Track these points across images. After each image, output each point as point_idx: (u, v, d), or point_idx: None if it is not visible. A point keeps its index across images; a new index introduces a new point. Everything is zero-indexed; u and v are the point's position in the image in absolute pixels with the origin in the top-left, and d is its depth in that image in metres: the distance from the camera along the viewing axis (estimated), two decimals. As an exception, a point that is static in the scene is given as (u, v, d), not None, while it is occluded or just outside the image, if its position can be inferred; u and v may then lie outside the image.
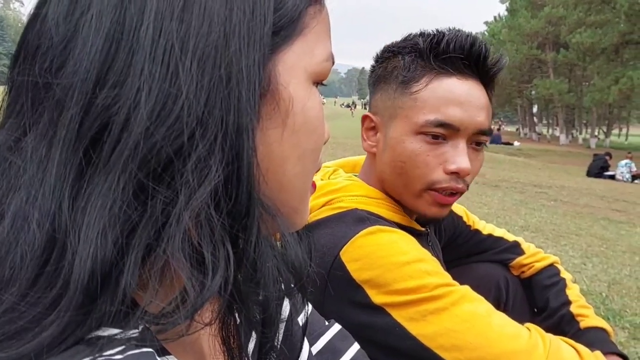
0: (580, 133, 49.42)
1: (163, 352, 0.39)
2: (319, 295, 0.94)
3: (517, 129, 59.18)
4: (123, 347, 0.33)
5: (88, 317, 0.33)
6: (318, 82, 0.47)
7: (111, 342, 0.33)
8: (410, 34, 1.08)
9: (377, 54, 1.12)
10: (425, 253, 0.97)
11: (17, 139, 0.37)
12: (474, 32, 1.04)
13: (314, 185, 0.52)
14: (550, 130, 53.32)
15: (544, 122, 54.71)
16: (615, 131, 55.57)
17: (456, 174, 1.01)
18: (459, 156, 1.00)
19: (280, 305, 0.59)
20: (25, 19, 0.40)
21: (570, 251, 4.56)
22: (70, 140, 0.35)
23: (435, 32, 1.04)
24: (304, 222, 0.51)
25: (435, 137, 1.00)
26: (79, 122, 0.35)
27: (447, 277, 0.93)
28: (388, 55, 1.09)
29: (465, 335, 0.86)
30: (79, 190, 0.35)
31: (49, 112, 0.36)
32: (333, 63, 0.49)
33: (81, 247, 0.33)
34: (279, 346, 0.58)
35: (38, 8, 0.39)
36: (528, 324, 0.94)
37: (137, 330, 0.35)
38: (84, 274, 0.33)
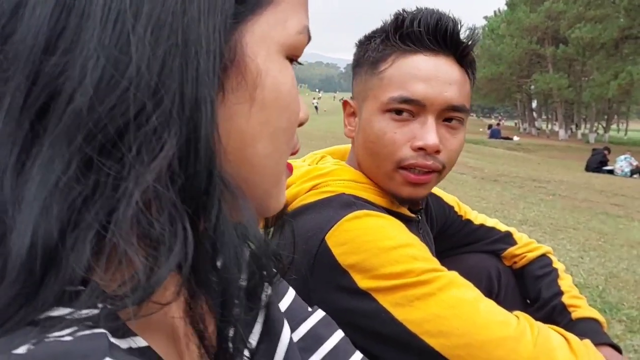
0: (580, 128, 49.39)
1: (126, 334, 0.37)
2: (305, 280, 0.92)
3: (516, 124, 59.24)
4: (75, 328, 0.31)
5: (33, 297, 0.31)
6: (292, 58, 0.45)
7: (62, 322, 0.31)
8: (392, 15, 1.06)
9: (357, 41, 1.11)
10: (413, 238, 0.95)
11: None
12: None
13: (290, 168, 0.50)
14: (550, 125, 53.37)
15: (543, 117, 54.76)
16: (615, 126, 55.56)
17: (423, 150, 0.99)
18: (426, 132, 0.98)
19: (257, 292, 0.57)
20: None
21: (568, 245, 4.55)
22: (16, 111, 0.33)
23: (400, 11, 1.03)
24: (279, 207, 0.49)
25: (399, 112, 0.99)
26: (26, 91, 0.33)
27: (434, 263, 0.92)
28: (363, 41, 1.09)
29: (452, 322, 0.85)
30: (25, 163, 0.33)
31: None
32: (309, 38, 0.46)
33: (20, 223, 0.31)
34: (253, 331, 0.57)
35: None
36: (517, 312, 0.93)
37: (93, 311, 0.32)
38: (22, 251, 0.31)
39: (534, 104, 50.87)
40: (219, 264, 0.39)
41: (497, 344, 0.83)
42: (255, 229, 0.45)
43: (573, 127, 46.49)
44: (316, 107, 48.42)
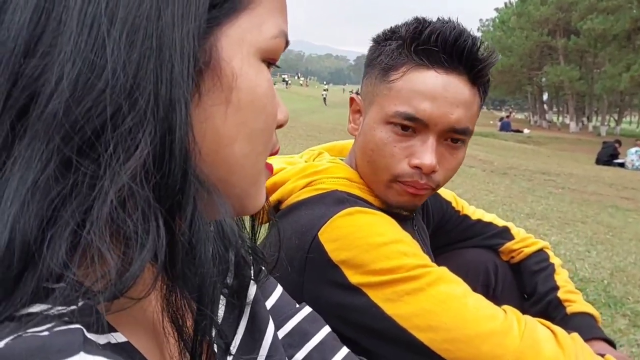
0: (591, 121, 48.98)
1: (105, 328, 0.38)
2: (299, 275, 0.94)
3: (526, 117, 58.84)
4: (52, 323, 0.32)
5: (11, 293, 0.33)
6: (269, 61, 0.46)
7: (40, 318, 0.32)
8: (410, 20, 1.04)
9: (374, 37, 1.09)
10: (404, 234, 0.96)
11: None
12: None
13: (270, 169, 0.51)
14: (561, 118, 52.95)
15: (554, 109, 54.33)
16: (627, 119, 55.02)
17: (419, 169, 0.99)
18: (424, 152, 0.98)
19: (243, 289, 0.59)
20: None
21: (575, 238, 4.52)
22: None
23: (421, 21, 1.01)
24: (258, 206, 0.50)
25: (405, 129, 0.98)
26: (6, 93, 0.34)
27: (424, 259, 0.93)
28: (380, 39, 1.07)
29: (440, 316, 0.86)
30: (5, 162, 0.34)
31: None
32: (287, 43, 0.47)
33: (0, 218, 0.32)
34: (239, 328, 0.58)
35: None
36: (505, 306, 0.94)
37: (70, 307, 0.34)
38: (0, 247, 0.32)
39: (545, 97, 50.49)
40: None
41: (484, 338, 0.85)
42: (232, 227, 0.46)
43: (584, 119, 46.13)
44: (324, 99, 48.24)
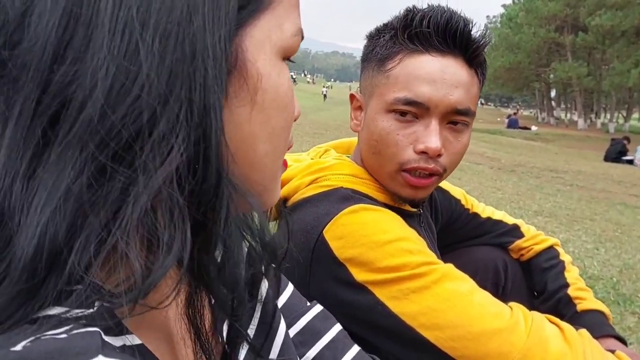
0: (599, 117, 48.68)
1: (120, 332, 0.38)
2: (305, 273, 0.94)
3: (533, 114, 58.55)
4: (70, 326, 0.32)
5: (34, 295, 0.33)
6: (287, 58, 0.46)
7: (58, 321, 0.32)
8: (401, 11, 1.04)
9: (367, 34, 1.10)
10: (409, 231, 0.96)
11: None
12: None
13: (285, 164, 0.52)
14: (569, 115, 52.66)
15: (562, 106, 54.02)
16: (635, 115, 54.67)
17: (425, 154, 0.98)
18: (428, 135, 0.98)
19: (256, 285, 0.59)
20: None
21: (584, 236, 4.51)
22: (27, 118, 0.34)
23: (411, 9, 1.01)
24: (274, 201, 0.50)
25: (404, 114, 0.98)
26: (36, 100, 0.34)
27: (430, 256, 0.93)
28: (373, 35, 1.07)
29: (446, 314, 0.86)
30: (36, 169, 0.34)
31: (5, 91, 0.35)
32: (302, 38, 0.47)
33: (28, 226, 0.32)
34: (250, 327, 0.58)
35: None
36: (511, 303, 0.93)
37: (89, 310, 0.34)
38: (28, 253, 0.32)
39: (553, 93, 50.20)
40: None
41: (490, 336, 0.85)
42: (264, 224, 0.47)
43: (592, 116, 45.87)
44: (325, 96, 48.00)
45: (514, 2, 48.53)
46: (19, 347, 0.29)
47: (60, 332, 0.31)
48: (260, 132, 0.43)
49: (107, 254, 0.34)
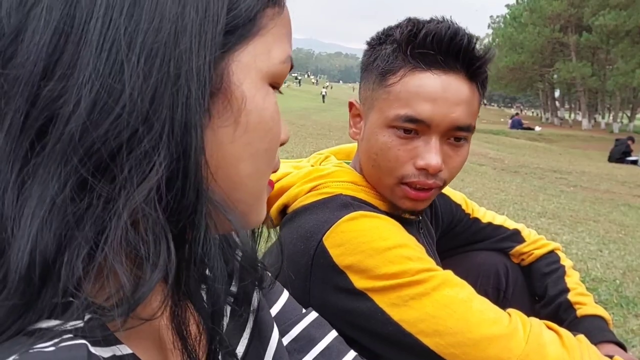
0: (603, 117, 48.58)
1: (111, 341, 0.39)
2: (305, 280, 0.95)
3: (535, 114, 58.44)
4: (59, 339, 0.33)
5: (29, 308, 0.34)
6: (275, 85, 0.47)
7: (49, 334, 0.33)
8: (403, 21, 1.04)
9: (368, 40, 1.09)
10: (408, 238, 0.97)
11: None
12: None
13: (271, 185, 0.52)
14: (573, 115, 52.58)
15: (566, 106, 53.92)
16: (640, 115, 54.56)
17: (425, 170, 0.99)
18: (428, 152, 0.98)
19: (247, 298, 0.60)
20: None
21: (587, 237, 4.50)
22: (16, 131, 0.35)
23: (415, 22, 1.01)
24: (259, 220, 0.51)
25: (407, 131, 0.99)
26: (25, 113, 0.35)
27: (429, 263, 0.93)
28: (375, 43, 1.07)
29: (445, 321, 0.87)
30: (25, 180, 0.35)
31: None
32: (292, 67, 0.49)
33: (19, 238, 0.34)
34: (243, 337, 0.59)
35: None
36: (510, 309, 0.94)
37: (78, 322, 0.35)
38: (21, 264, 0.33)
39: (557, 93, 50.13)
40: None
41: (489, 342, 0.85)
42: (245, 240, 0.48)
43: (597, 116, 45.77)
44: (323, 97, 47.92)
45: (517, 1, 48.44)
46: None
47: (48, 345, 0.32)
48: (243, 152, 0.44)
49: (98, 268, 0.35)
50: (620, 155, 15.82)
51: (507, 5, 52.54)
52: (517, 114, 41.07)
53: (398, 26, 1.03)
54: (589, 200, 6.98)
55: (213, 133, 0.42)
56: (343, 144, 1.31)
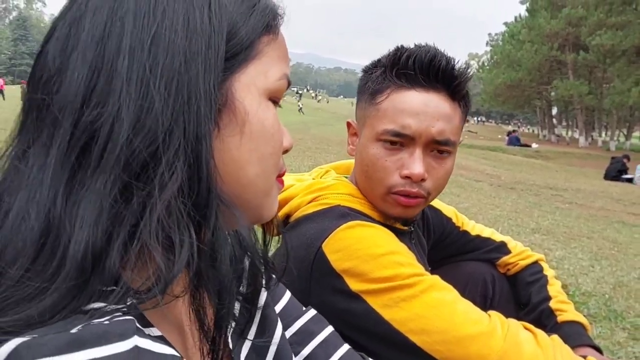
0: (600, 135, 48.80)
1: (146, 325, 0.48)
2: (305, 283, 1.04)
3: (532, 130, 58.60)
4: (111, 316, 0.41)
5: (82, 291, 0.42)
6: (275, 99, 0.57)
7: (100, 312, 0.42)
8: (392, 49, 1.16)
9: (363, 68, 1.22)
10: (400, 246, 1.06)
11: (24, 150, 0.47)
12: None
13: (281, 182, 0.62)
14: (570, 133, 52.78)
15: (564, 124, 54.16)
16: (636, 134, 54.78)
17: (409, 179, 1.09)
18: (412, 162, 1.08)
19: (255, 295, 0.69)
20: (47, 19, 0.51)
21: (580, 253, 4.56)
22: (63, 149, 0.45)
23: (399, 48, 1.13)
24: (271, 214, 0.61)
25: (394, 143, 1.09)
26: (70, 134, 0.45)
27: (419, 268, 1.02)
28: (368, 69, 1.19)
29: (432, 321, 0.96)
30: (72, 188, 0.44)
31: (47, 128, 0.46)
32: (289, 84, 0.59)
33: (77, 233, 0.42)
34: (232, 318, 0.68)
35: (42, 46, 0.50)
36: (490, 312, 1.03)
37: (121, 305, 0.43)
38: (78, 255, 0.42)
39: (554, 111, 50.37)
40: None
41: (472, 340, 0.94)
42: (248, 235, 0.57)
43: (594, 134, 45.95)
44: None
45: (516, 19, 48.90)
46: (75, 330, 0.39)
47: (104, 320, 0.41)
48: (250, 157, 0.54)
49: (135, 257, 0.45)
50: (616, 173, 15.92)
51: (505, 23, 53.04)
52: (514, 130, 41.18)
53: (387, 53, 1.15)
54: (583, 217, 7.06)
55: (222, 142, 0.52)
56: (341, 158, 1.41)
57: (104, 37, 0.47)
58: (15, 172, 0.46)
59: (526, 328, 1.02)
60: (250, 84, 0.54)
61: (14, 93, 27.36)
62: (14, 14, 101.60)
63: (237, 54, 0.52)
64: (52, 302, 0.41)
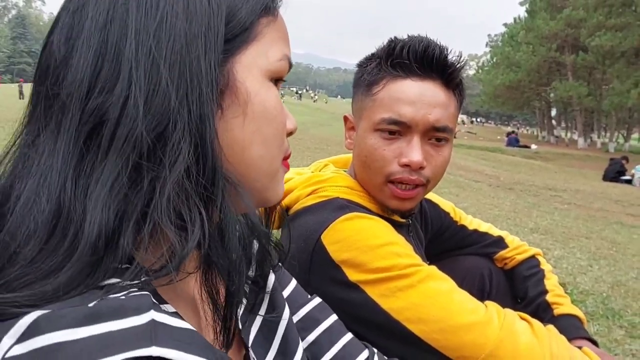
0: (599, 137, 48.85)
1: (160, 302, 0.49)
2: (305, 273, 1.05)
3: (531, 132, 58.67)
4: (127, 291, 0.43)
5: (96, 269, 0.43)
6: (277, 79, 0.58)
7: (116, 288, 0.43)
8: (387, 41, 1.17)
9: (358, 62, 1.23)
10: (397, 237, 1.07)
11: (34, 138, 0.48)
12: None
13: (287, 165, 0.63)
14: (569, 134, 52.82)
15: (563, 125, 54.20)
16: (635, 135, 54.86)
17: (408, 167, 1.10)
18: (410, 150, 1.09)
19: (264, 278, 0.70)
20: (46, 17, 0.52)
21: (578, 253, 4.59)
22: (71, 134, 0.46)
23: (393, 39, 1.14)
24: (277, 198, 0.61)
25: (392, 133, 1.10)
26: (78, 119, 0.46)
27: (416, 259, 1.03)
28: (362, 63, 1.20)
29: (429, 309, 0.96)
30: (81, 172, 0.46)
31: (56, 115, 0.48)
32: (291, 65, 0.60)
33: (90, 214, 0.44)
34: (243, 296, 0.69)
35: (48, 37, 0.51)
36: (487, 302, 1.04)
37: (136, 282, 0.44)
38: (92, 234, 0.43)
39: (554, 112, 50.42)
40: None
41: (468, 329, 0.95)
42: (254, 215, 0.58)
43: (593, 135, 46.00)
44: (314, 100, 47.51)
45: (515, 21, 48.92)
46: (92, 304, 0.40)
47: (120, 295, 0.42)
48: (253, 138, 0.55)
49: (149, 236, 0.46)
50: (614, 174, 15.95)
51: (505, 24, 53.08)
52: (513, 132, 41.24)
53: (381, 46, 1.16)
54: (582, 218, 7.08)
55: (225, 123, 0.53)
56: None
57: (107, 24, 0.48)
58: (26, 159, 0.47)
59: (522, 318, 1.03)
60: (251, 65, 0.54)
61: (12, 92, 27.34)
62: (13, 12, 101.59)
63: (236, 36, 0.53)
64: (66, 279, 0.42)
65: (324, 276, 1.04)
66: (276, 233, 0.97)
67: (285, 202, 1.18)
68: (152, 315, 0.41)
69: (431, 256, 1.44)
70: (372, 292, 1.00)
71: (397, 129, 1.10)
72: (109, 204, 0.44)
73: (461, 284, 1.07)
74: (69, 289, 0.42)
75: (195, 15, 0.50)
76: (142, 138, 0.46)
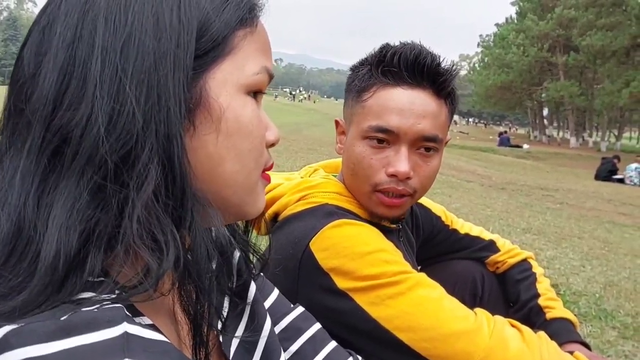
0: (591, 136, 49.11)
1: (136, 314, 0.48)
2: (293, 281, 1.04)
3: (527, 131, 58.97)
4: (99, 304, 0.42)
5: (62, 286, 0.42)
6: (256, 92, 0.57)
7: (89, 302, 0.42)
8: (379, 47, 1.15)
9: (351, 67, 1.21)
10: (386, 244, 1.06)
11: (2, 155, 0.47)
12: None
13: (267, 178, 0.61)
14: (561, 133, 53.08)
15: (555, 124, 54.46)
16: (627, 134, 55.19)
17: (395, 177, 1.08)
18: (398, 160, 1.08)
19: (245, 289, 0.69)
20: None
21: (571, 253, 4.59)
22: (35, 152, 0.45)
23: (385, 46, 1.12)
24: (257, 211, 0.60)
25: (380, 141, 1.09)
26: (42, 137, 0.45)
27: (405, 266, 1.02)
28: (355, 67, 1.18)
29: (418, 318, 0.95)
30: (44, 191, 0.45)
31: (22, 132, 0.47)
32: (271, 77, 0.58)
33: (48, 234, 0.43)
34: (240, 323, 0.68)
35: (20, 51, 0.50)
36: (476, 309, 1.03)
37: (111, 295, 0.43)
38: (49, 256, 0.42)
39: (545, 112, 50.64)
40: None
41: (458, 337, 0.94)
42: (223, 232, 0.58)
43: (585, 135, 46.24)
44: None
45: (507, 21, 49.09)
46: (63, 318, 0.39)
47: (93, 308, 0.41)
48: (227, 154, 0.54)
49: (124, 253, 0.45)
50: (606, 173, 16.04)
51: (497, 25, 53.23)
52: (505, 131, 41.36)
53: (373, 52, 1.15)
54: (574, 218, 7.10)
55: (198, 140, 0.51)
56: (333, 158, 1.41)
57: (75, 41, 0.47)
58: None
59: (512, 325, 1.02)
60: (225, 80, 0.53)
61: (2, 94, 27.18)
62: (5, 14, 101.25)
63: (208, 51, 0.52)
64: (30, 297, 0.41)
65: (312, 284, 1.03)
66: (264, 240, 0.96)
67: (274, 208, 1.16)
68: (125, 327, 0.41)
69: (422, 261, 1.43)
70: (361, 300, 0.98)
71: (385, 138, 1.09)
72: (70, 224, 0.43)
73: (453, 289, 1.06)
74: (36, 304, 0.41)
75: (165, 32, 0.48)
76: (106, 158, 0.44)
